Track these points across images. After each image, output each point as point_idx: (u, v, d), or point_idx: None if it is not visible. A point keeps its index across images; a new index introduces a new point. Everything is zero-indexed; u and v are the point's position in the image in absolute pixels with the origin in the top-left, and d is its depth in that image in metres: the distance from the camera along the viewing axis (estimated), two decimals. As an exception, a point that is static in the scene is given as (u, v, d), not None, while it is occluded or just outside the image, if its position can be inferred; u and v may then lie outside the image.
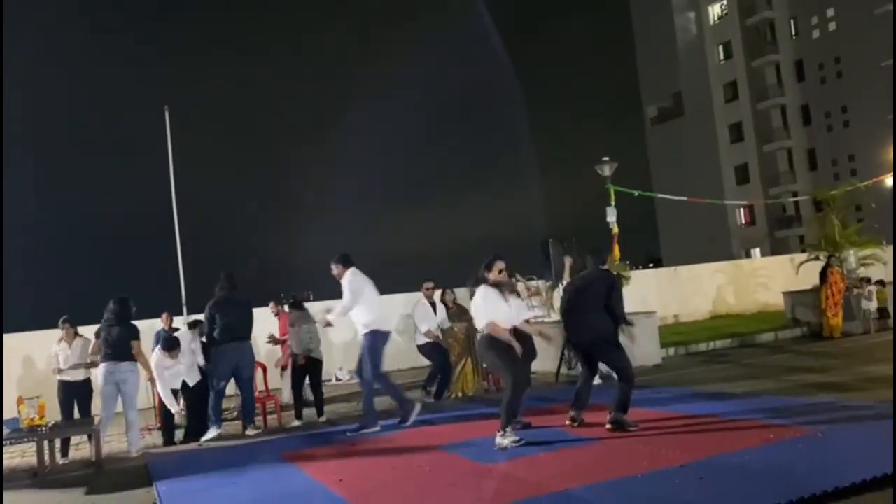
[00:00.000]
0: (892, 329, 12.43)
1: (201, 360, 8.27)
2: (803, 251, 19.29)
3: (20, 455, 8.20)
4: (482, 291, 6.19)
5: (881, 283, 13.53)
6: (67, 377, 8.05)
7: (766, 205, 44.22)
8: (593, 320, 6.62)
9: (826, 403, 6.59)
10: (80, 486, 6.28)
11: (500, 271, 6.26)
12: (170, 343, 8.11)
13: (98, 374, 7.79)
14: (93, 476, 6.65)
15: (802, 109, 45.98)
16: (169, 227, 12.73)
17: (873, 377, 8.06)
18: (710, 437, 5.63)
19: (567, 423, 6.53)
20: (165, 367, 7.99)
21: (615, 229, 13.29)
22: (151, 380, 9.44)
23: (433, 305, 9.38)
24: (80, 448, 8.14)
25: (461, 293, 9.46)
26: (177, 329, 10.11)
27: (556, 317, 11.58)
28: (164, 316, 10.62)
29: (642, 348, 11.03)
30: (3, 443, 6.86)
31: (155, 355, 8.08)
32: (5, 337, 11.45)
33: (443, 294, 9.67)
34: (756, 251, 44.34)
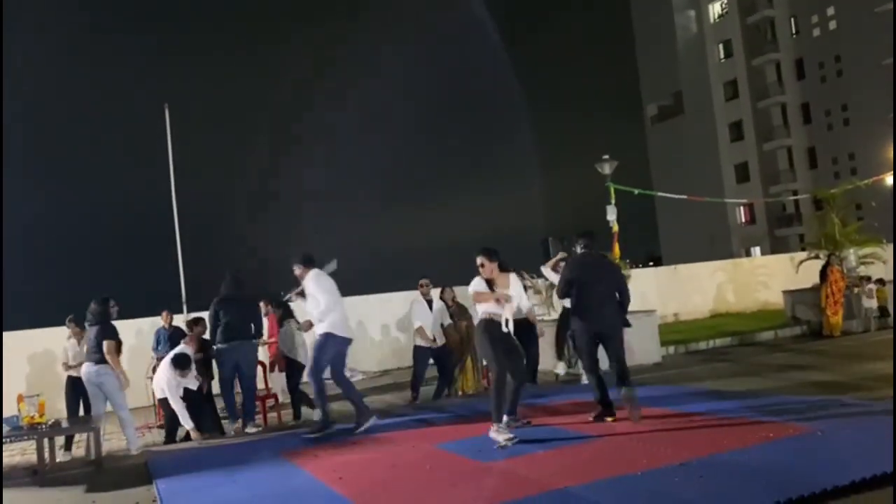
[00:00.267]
0: (892, 328, 12.44)
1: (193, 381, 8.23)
2: (803, 250, 19.30)
3: (20, 453, 8.20)
4: (474, 281, 6.34)
5: (881, 281, 13.53)
6: (74, 373, 8.27)
7: (766, 203, 44.24)
8: (614, 308, 6.75)
9: (826, 402, 6.58)
10: (79, 484, 6.28)
11: (482, 265, 6.30)
12: (182, 362, 7.95)
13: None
14: (93, 474, 6.65)
15: (803, 108, 45.99)
16: (169, 225, 12.74)
17: (873, 376, 8.07)
18: (709, 436, 5.62)
19: (609, 419, 6.53)
20: (175, 384, 7.95)
21: (615, 228, 13.29)
22: (151, 378, 9.48)
23: (429, 303, 9.37)
24: (81, 445, 8.15)
25: (461, 291, 9.47)
26: (177, 327, 10.12)
27: (555, 315, 11.60)
28: (164, 314, 10.62)
29: (642, 346, 11.07)
30: (4, 441, 6.86)
31: (166, 372, 7.97)
32: (5, 335, 11.46)
33: (442, 292, 9.65)
34: (756, 250, 44.36)
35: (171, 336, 9.79)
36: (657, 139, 53.24)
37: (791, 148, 46.51)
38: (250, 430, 8.21)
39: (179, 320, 11.10)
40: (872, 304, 13.11)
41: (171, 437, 8.08)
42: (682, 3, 50.84)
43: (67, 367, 8.50)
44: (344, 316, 7.33)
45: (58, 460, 7.61)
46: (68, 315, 8.75)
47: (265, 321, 10.13)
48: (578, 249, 7.14)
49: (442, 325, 9.37)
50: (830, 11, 43.92)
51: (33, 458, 6.95)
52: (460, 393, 9.33)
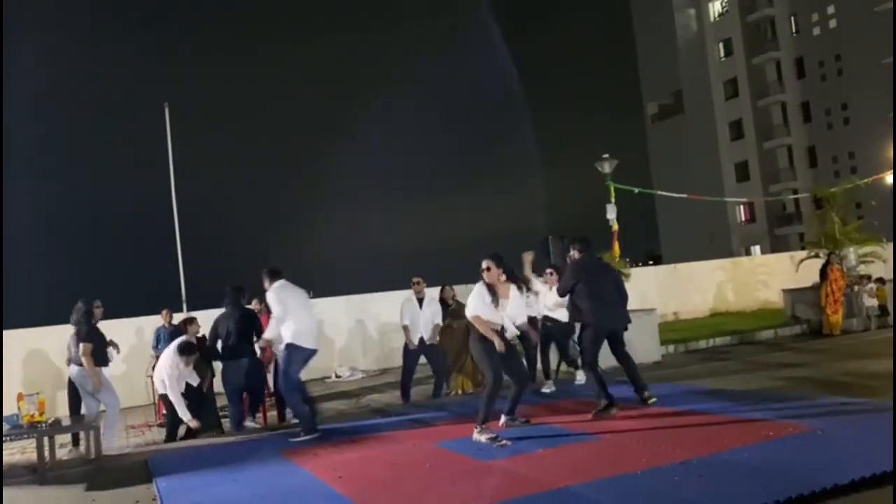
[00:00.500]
0: (892, 326, 12.44)
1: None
2: (803, 248, 19.29)
3: (20, 451, 8.20)
4: (476, 289, 6.34)
5: (881, 280, 13.53)
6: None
7: (766, 202, 44.26)
8: (622, 308, 7.27)
9: (826, 401, 6.59)
10: (80, 483, 6.28)
11: (488, 269, 6.28)
12: (187, 348, 7.92)
13: None
14: (93, 472, 6.65)
15: (803, 107, 45.98)
16: (169, 224, 12.75)
17: (873, 375, 8.07)
18: (709, 434, 5.62)
19: (613, 411, 6.73)
20: (177, 374, 7.92)
21: (615, 226, 13.29)
22: (151, 377, 9.48)
23: (420, 301, 9.32)
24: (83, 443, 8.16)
25: (462, 290, 9.47)
26: (177, 326, 10.12)
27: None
28: (163, 312, 10.63)
29: (642, 345, 11.06)
30: (4, 439, 6.86)
31: (169, 359, 7.96)
32: (7, 333, 11.48)
33: (442, 290, 9.64)
34: (756, 248, 44.36)
35: (172, 335, 9.78)
36: (657, 138, 53.24)
37: (791, 147, 46.50)
38: (248, 423, 8.27)
39: (179, 319, 11.10)
40: (873, 302, 13.11)
41: (171, 436, 8.08)
42: (682, 2, 50.83)
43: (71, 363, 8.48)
44: (309, 326, 7.35)
45: (64, 458, 7.60)
46: (70, 313, 8.75)
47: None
48: (576, 253, 7.44)
49: (440, 322, 9.34)
50: (831, 10, 43.91)
51: (33, 456, 6.94)
52: (460, 392, 9.33)
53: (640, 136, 54.92)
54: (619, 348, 7.34)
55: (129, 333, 12.31)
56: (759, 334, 13.23)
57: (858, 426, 5.48)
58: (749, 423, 5.84)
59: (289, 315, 7.19)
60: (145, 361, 10.46)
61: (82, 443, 8.12)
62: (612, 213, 13.31)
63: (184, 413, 7.81)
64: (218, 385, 8.94)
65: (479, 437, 6.10)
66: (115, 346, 8.38)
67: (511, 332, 6.43)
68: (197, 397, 8.11)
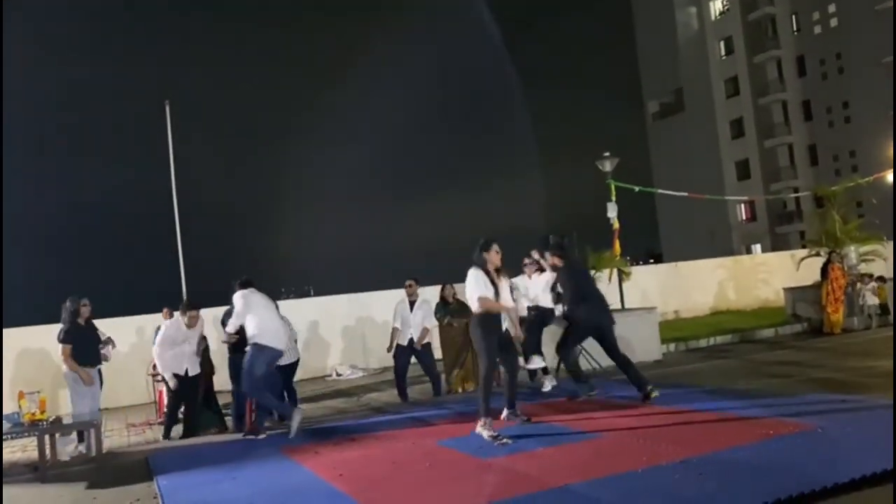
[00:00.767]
0: (893, 325, 12.43)
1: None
2: (804, 247, 19.26)
3: (21, 449, 8.21)
4: (471, 274, 6.42)
5: (881, 279, 13.52)
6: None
7: (766, 200, 44.24)
8: (607, 306, 7.91)
9: (826, 399, 6.59)
10: (81, 481, 6.29)
11: (497, 252, 6.49)
12: (191, 303, 8.00)
13: None
14: (94, 470, 6.66)
15: (803, 105, 45.94)
16: (170, 221, 12.74)
17: (873, 373, 8.07)
18: (709, 433, 5.63)
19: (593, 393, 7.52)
20: (176, 341, 7.93)
21: (616, 225, 13.29)
22: (152, 375, 9.48)
23: (412, 303, 9.36)
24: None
25: (462, 289, 9.46)
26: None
27: (556, 312, 11.60)
28: (164, 311, 10.62)
29: (643, 344, 11.07)
30: (5, 437, 6.87)
31: (166, 327, 8.05)
32: (9, 331, 11.48)
33: (443, 289, 9.66)
34: (757, 247, 44.34)
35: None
36: (658, 136, 53.20)
37: (792, 145, 46.47)
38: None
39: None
40: (875, 301, 13.11)
41: (167, 433, 8.09)
42: (683, 0, 50.77)
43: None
44: (276, 328, 7.50)
45: (71, 455, 7.61)
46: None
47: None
48: (556, 259, 7.85)
49: (429, 326, 9.33)
50: (832, 9, 43.86)
51: (35, 454, 6.95)
52: (460, 390, 9.34)
53: (640, 134, 54.96)
54: (614, 349, 7.61)
55: (129, 332, 12.32)
56: (760, 333, 13.23)
57: (859, 424, 5.49)
58: (749, 422, 5.84)
59: (252, 313, 7.38)
60: (146, 360, 10.45)
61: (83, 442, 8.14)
62: (612, 211, 13.30)
63: (169, 377, 7.87)
64: (218, 384, 8.94)
65: (482, 431, 6.11)
66: (112, 342, 8.30)
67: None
68: (192, 394, 8.10)
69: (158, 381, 9.14)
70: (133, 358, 11.49)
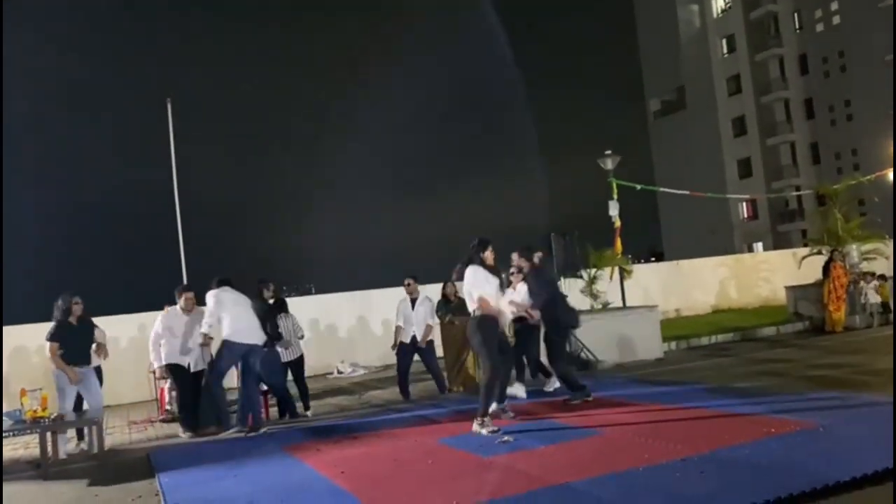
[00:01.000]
0: (893, 323, 12.42)
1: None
2: (806, 245, 19.26)
3: (23, 446, 8.23)
4: (472, 270, 6.43)
5: (883, 277, 13.51)
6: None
7: (768, 199, 44.16)
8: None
9: (827, 397, 6.59)
10: (82, 478, 6.31)
11: (491, 251, 6.58)
12: (187, 285, 8.14)
13: None
14: (95, 468, 6.67)
15: (806, 103, 45.85)
16: (171, 218, 12.75)
17: (874, 371, 8.06)
18: (711, 431, 5.63)
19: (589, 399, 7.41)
20: (175, 332, 7.96)
21: (617, 223, 13.29)
22: (153, 372, 9.48)
23: (413, 301, 9.36)
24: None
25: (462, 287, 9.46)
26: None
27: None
28: (166, 308, 10.62)
29: (644, 342, 11.08)
30: (7, 434, 6.89)
31: (163, 317, 8.14)
32: (11, 329, 11.50)
33: (444, 286, 9.66)
34: (758, 245, 44.29)
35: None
36: (660, 134, 53.11)
37: (794, 143, 46.38)
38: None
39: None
40: (876, 299, 13.10)
41: (192, 427, 8.01)
42: (685, -2, 50.69)
43: None
44: (247, 324, 7.73)
45: (70, 452, 7.62)
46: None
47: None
48: (526, 263, 7.96)
49: (431, 323, 9.33)
50: (834, 6, 43.75)
51: (37, 451, 6.97)
52: (461, 388, 9.35)
53: (642, 132, 54.89)
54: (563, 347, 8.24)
55: (131, 329, 12.36)
56: (762, 331, 13.23)
57: (860, 423, 5.49)
58: (750, 420, 5.85)
59: (224, 312, 7.63)
60: (148, 357, 10.45)
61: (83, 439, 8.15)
62: (614, 209, 13.30)
63: (157, 362, 8.01)
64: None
65: (480, 429, 6.17)
66: (103, 347, 8.06)
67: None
68: (192, 392, 8.08)
69: (163, 377, 9.13)
70: (135, 355, 11.50)
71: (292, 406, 8.66)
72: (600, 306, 12.50)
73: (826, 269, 12.95)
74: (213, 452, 6.77)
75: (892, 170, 23.97)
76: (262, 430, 7.68)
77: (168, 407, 9.44)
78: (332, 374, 13.07)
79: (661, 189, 23.61)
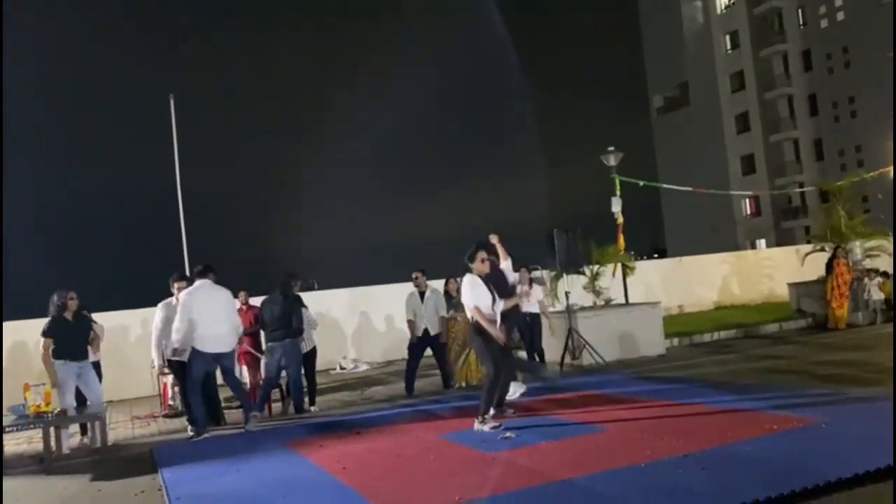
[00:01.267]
0: (893, 321, 12.40)
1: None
2: (809, 242, 19.23)
3: (27, 441, 8.25)
4: (467, 279, 6.48)
5: (886, 274, 13.49)
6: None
7: (771, 195, 44.06)
8: None
9: (829, 394, 6.59)
10: (85, 473, 6.33)
11: (483, 260, 6.48)
12: (181, 274, 8.18)
13: None
14: (98, 463, 6.70)
15: (809, 99, 45.72)
16: (174, 214, 12.75)
17: (877, 368, 8.05)
18: (712, 427, 5.63)
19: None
20: (173, 319, 7.90)
21: (620, 219, 13.26)
22: (156, 368, 9.49)
23: (422, 294, 9.38)
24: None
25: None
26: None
27: (560, 307, 11.61)
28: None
29: (646, 339, 11.08)
30: (10, 429, 6.91)
31: (160, 309, 8.11)
32: (13, 324, 11.52)
33: (447, 283, 9.67)
34: (762, 242, 44.23)
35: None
36: (663, 130, 53.05)
37: (797, 140, 46.27)
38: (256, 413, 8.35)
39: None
40: (879, 296, 13.07)
41: (201, 424, 8.03)
42: (688, -6, 50.55)
43: None
44: (215, 332, 7.50)
45: (74, 446, 7.63)
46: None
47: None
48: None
49: (444, 314, 9.35)
50: (838, 2, 43.60)
51: (40, 446, 6.99)
52: (463, 384, 9.36)
53: (645, 128, 54.79)
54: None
55: (134, 324, 12.37)
56: (764, 328, 13.22)
57: (862, 420, 5.49)
58: (752, 416, 5.85)
59: (192, 318, 7.39)
60: (150, 353, 10.47)
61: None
62: (617, 205, 13.27)
63: (158, 355, 7.95)
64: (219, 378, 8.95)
65: (482, 427, 6.19)
66: (96, 341, 8.12)
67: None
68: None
69: (165, 373, 9.15)
70: (138, 350, 11.52)
71: (301, 399, 8.69)
72: (603, 303, 12.50)
73: (829, 265, 12.93)
74: (215, 448, 6.79)
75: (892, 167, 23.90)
76: (255, 413, 7.80)
77: (171, 402, 9.46)
78: (334, 369, 13.08)
79: (665, 185, 23.58)
